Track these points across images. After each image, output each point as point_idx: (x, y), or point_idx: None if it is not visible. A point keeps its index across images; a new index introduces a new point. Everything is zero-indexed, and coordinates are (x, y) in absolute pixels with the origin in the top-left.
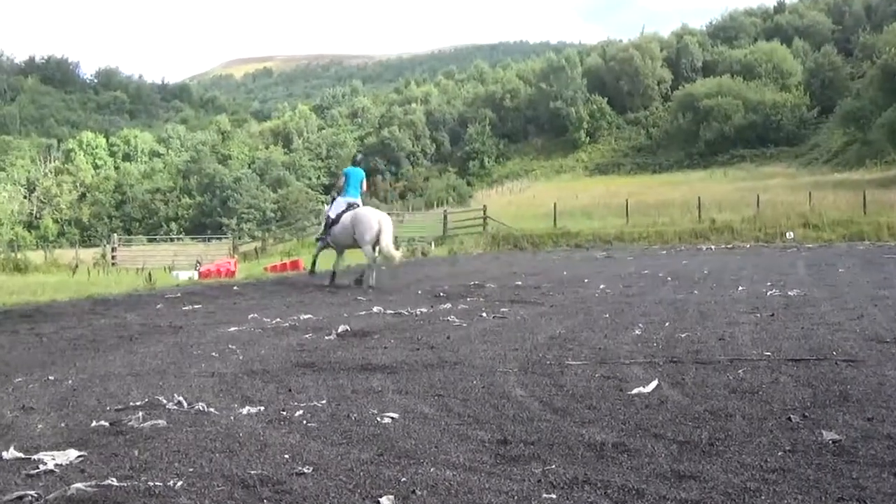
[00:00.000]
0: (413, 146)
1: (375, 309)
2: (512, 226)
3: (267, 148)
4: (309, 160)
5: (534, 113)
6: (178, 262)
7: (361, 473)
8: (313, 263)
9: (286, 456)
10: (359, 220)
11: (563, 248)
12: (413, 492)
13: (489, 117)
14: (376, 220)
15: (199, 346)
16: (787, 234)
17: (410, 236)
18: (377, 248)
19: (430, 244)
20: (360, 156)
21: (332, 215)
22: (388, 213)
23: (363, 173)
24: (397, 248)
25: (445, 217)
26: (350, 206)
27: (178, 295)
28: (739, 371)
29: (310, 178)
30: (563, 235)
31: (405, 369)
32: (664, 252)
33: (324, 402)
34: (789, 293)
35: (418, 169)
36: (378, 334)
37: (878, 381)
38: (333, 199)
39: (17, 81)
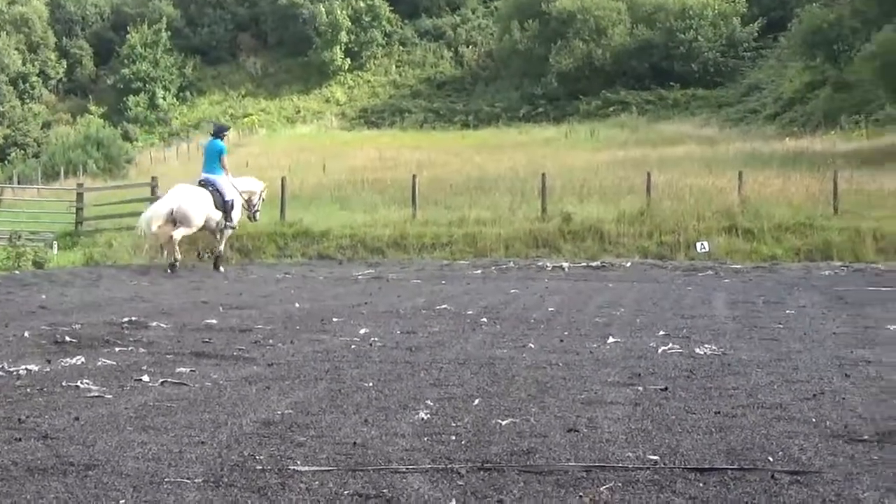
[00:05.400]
0: (24, 64)
1: None
2: None
3: None
4: None
5: (250, 12)
6: None
7: None
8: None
9: None
10: None
11: (296, 260)
12: None
13: (168, 16)
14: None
15: None
16: (699, 244)
17: (13, 230)
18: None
19: (52, 246)
20: (214, 126)
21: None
22: None
23: (220, 147)
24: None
25: (81, 197)
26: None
27: None
28: (602, 488)
29: None
30: (299, 237)
31: None
32: (479, 272)
33: None
34: (697, 350)
35: (32, 106)
36: None
37: None
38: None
39: None
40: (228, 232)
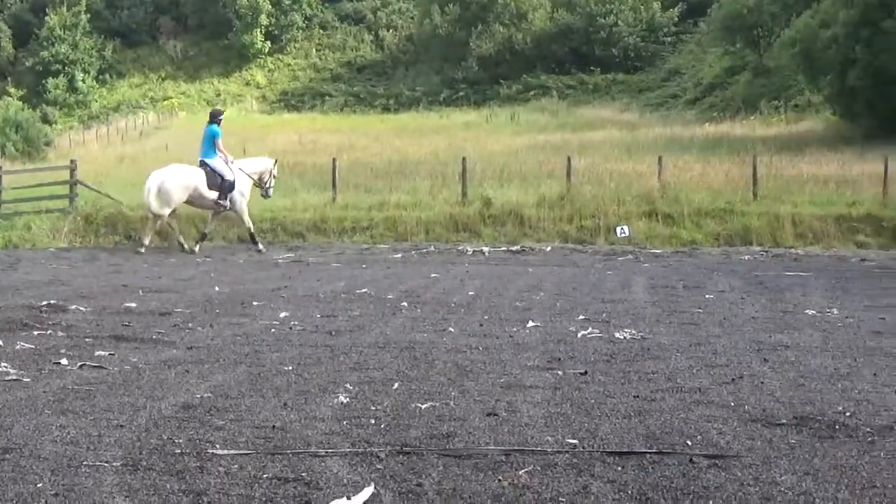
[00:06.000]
0: None
1: None
2: (124, 200)
3: None
4: None
5: None
6: None
7: None
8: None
9: None
10: None
11: (216, 244)
12: None
13: (88, 0)
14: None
15: None
16: (619, 229)
17: None
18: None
19: None
20: (212, 110)
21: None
22: None
23: (213, 131)
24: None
25: None
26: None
27: None
28: (521, 471)
29: None
30: (219, 220)
31: None
32: (398, 256)
33: None
34: (617, 335)
35: None
36: None
37: (762, 494)
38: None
39: None
40: (244, 210)
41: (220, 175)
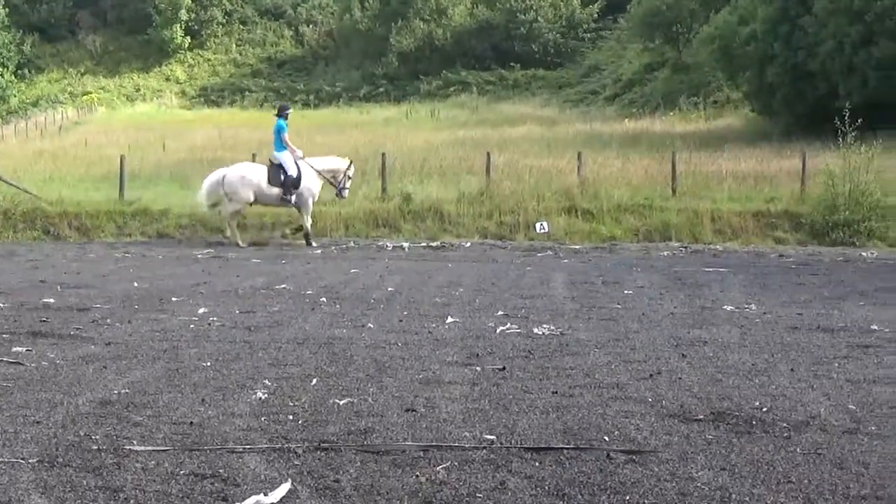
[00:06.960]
0: None
1: None
2: (42, 195)
3: None
4: None
5: None
6: None
7: None
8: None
9: None
10: None
11: (135, 239)
12: None
13: None
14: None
15: None
16: (538, 225)
17: None
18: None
19: None
20: (279, 105)
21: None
22: None
23: (279, 126)
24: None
25: None
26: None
27: None
28: (438, 468)
29: None
30: (138, 215)
31: None
32: (319, 252)
33: None
34: (535, 331)
35: None
36: None
37: (679, 490)
38: None
39: None
40: (308, 208)
41: (284, 171)
